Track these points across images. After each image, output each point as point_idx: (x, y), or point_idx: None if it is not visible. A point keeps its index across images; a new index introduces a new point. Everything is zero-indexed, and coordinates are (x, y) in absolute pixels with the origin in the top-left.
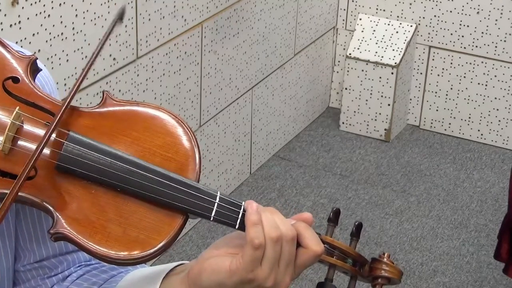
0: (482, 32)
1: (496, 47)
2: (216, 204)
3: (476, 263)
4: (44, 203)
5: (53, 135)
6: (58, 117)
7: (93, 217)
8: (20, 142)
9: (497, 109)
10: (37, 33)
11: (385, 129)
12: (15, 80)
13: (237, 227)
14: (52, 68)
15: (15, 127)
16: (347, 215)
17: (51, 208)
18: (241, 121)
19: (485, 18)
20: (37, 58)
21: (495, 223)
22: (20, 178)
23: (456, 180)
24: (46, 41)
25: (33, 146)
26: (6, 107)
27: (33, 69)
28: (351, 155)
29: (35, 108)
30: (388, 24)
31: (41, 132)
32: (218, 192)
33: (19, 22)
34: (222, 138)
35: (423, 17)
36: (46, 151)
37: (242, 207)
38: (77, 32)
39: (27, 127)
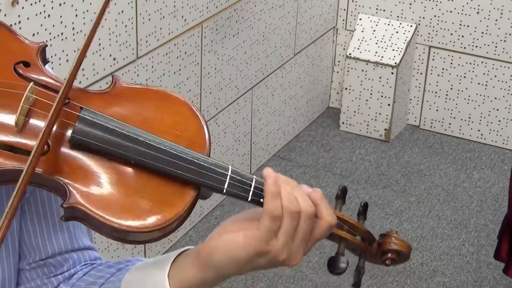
0: (482, 32)
1: (496, 47)
2: (228, 176)
3: (476, 263)
4: (56, 178)
5: (67, 109)
6: (68, 77)
7: (106, 190)
8: (33, 118)
9: (497, 109)
10: (37, 33)
11: (385, 129)
12: (26, 64)
13: (249, 199)
14: (52, 68)
15: (29, 101)
16: (347, 215)
17: (63, 183)
18: (241, 121)
19: (485, 18)
20: (46, 45)
21: (495, 223)
22: (36, 151)
23: (456, 180)
24: (46, 41)
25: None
26: (19, 83)
27: (43, 56)
28: (351, 155)
29: (46, 90)
30: (388, 24)
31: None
32: (230, 165)
33: (19, 22)
34: (222, 138)
35: (423, 17)
36: (59, 125)
37: (254, 180)
38: (77, 32)
39: (41, 101)
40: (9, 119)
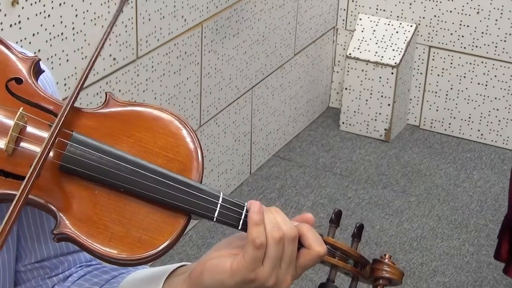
0: (482, 32)
1: (496, 47)
2: (219, 205)
3: (476, 263)
4: (47, 204)
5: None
6: (64, 115)
7: (96, 218)
8: (23, 143)
9: (497, 109)
10: (37, 33)
11: (385, 129)
12: (18, 81)
13: (239, 227)
14: (52, 68)
15: (18, 128)
16: (347, 215)
17: (54, 208)
18: (241, 121)
19: (485, 18)
20: (40, 59)
21: (495, 223)
22: (28, 183)
23: (456, 180)
24: (46, 41)
25: (36, 147)
26: (9, 108)
27: (36, 70)
28: (351, 155)
29: (38, 109)
30: (388, 24)
31: (44, 133)
32: (221, 193)
33: (19, 22)
34: (222, 138)
35: (423, 17)
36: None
37: (245, 207)
38: (77, 32)
39: (30, 127)
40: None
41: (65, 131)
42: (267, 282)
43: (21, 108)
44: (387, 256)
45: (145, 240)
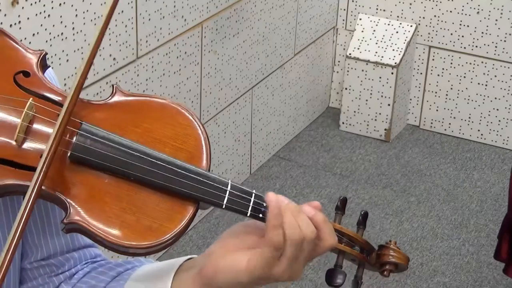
0: (482, 32)
1: (496, 47)
2: (228, 192)
3: (476, 263)
4: (57, 193)
5: (67, 126)
6: (70, 99)
7: (106, 207)
8: (33, 133)
9: (497, 109)
10: (37, 33)
11: (385, 129)
12: (26, 74)
13: (248, 214)
14: (52, 68)
15: (28, 118)
16: (347, 215)
17: (64, 198)
18: (241, 121)
19: (485, 18)
20: (46, 53)
21: (495, 223)
22: (39, 175)
23: (456, 180)
24: (46, 41)
25: (46, 138)
26: (18, 99)
27: (43, 64)
28: (351, 155)
29: (46, 101)
30: (388, 24)
31: (53, 123)
32: (230, 180)
33: (19, 22)
34: (222, 138)
35: (423, 17)
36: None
37: (253, 195)
38: (77, 32)
39: (40, 118)
40: (9, 135)
41: (75, 120)
42: (282, 277)
43: (31, 99)
44: (392, 242)
45: (155, 228)
